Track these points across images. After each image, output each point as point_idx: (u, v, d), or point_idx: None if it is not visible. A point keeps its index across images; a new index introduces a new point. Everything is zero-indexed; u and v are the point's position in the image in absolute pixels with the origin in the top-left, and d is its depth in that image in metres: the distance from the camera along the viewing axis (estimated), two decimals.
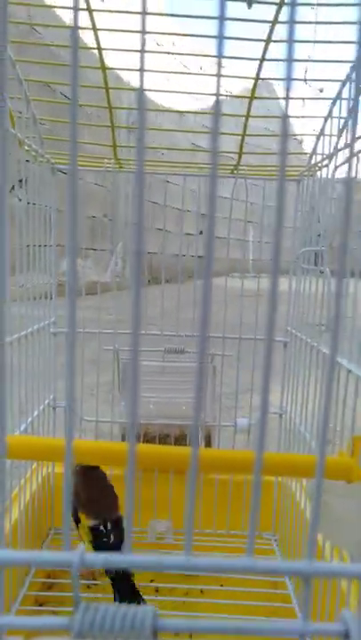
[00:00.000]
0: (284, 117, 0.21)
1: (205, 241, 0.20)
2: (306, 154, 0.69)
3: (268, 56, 0.55)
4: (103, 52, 0.56)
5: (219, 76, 0.20)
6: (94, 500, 0.63)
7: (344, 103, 0.58)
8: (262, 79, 0.59)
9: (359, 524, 0.38)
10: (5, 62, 0.18)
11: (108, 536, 0.61)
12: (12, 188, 0.69)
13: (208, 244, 0.20)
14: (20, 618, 0.20)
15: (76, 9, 0.18)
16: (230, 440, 0.79)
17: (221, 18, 0.19)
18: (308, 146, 0.74)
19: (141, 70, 0.18)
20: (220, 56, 0.19)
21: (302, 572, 0.19)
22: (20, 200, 0.67)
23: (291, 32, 0.19)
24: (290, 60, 0.20)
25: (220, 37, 0.19)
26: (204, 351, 0.21)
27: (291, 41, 0.19)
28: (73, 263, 0.19)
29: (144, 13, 0.17)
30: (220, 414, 0.80)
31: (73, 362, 0.19)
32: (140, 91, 0.18)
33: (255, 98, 0.57)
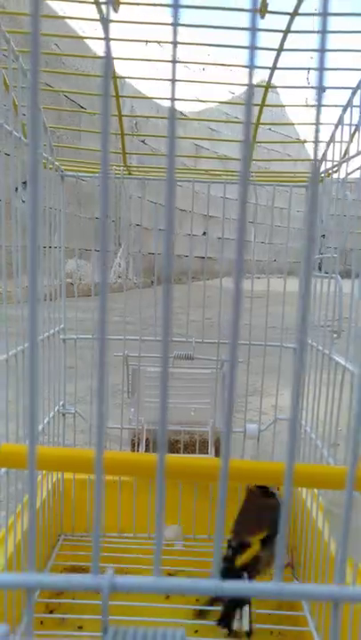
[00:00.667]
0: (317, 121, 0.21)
1: (236, 247, 0.20)
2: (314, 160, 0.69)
3: (279, 64, 0.55)
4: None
5: (250, 85, 0.20)
6: (240, 521, 0.67)
7: (355, 110, 0.58)
8: (273, 87, 0.59)
9: None
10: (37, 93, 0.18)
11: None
12: (16, 189, 0.70)
13: (238, 249, 0.20)
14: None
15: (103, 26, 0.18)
16: (240, 446, 0.79)
17: (253, 30, 0.18)
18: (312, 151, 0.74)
19: (172, 96, 0.18)
20: (251, 66, 0.19)
21: (333, 597, 0.19)
22: (24, 202, 0.67)
23: (323, 42, 0.19)
24: (320, 69, 0.20)
25: (252, 48, 0.19)
26: (234, 358, 0.21)
27: (321, 50, 0.19)
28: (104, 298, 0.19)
29: (174, 43, 0.17)
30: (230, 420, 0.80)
31: (102, 390, 0.19)
32: (172, 109, 0.18)
33: (266, 105, 0.57)
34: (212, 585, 0.19)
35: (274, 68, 0.53)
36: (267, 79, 0.59)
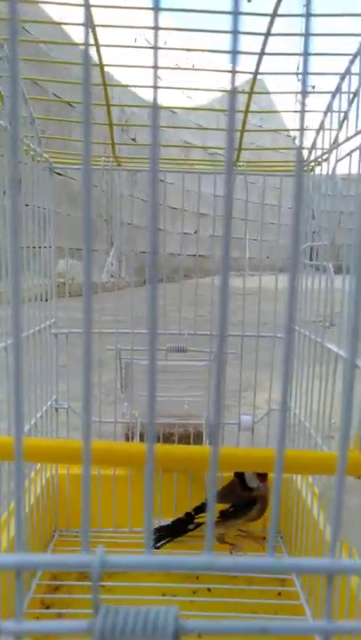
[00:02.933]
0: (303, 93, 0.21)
1: (223, 243, 0.20)
2: (305, 149, 0.69)
3: (266, 50, 0.55)
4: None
5: (234, 72, 0.20)
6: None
7: (344, 96, 0.58)
8: (261, 74, 0.58)
9: None
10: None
11: (191, 514, 0.74)
12: (4, 193, 0.69)
13: (225, 243, 0.20)
14: (40, 623, 0.19)
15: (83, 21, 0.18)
16: (234, 438, 0.79)
17: (236, 13, 0.18)
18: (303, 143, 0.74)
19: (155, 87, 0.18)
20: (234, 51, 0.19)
21: (326, 570, 0.19)
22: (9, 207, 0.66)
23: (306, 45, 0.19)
24: (306, 55, 0.19)
25: (235, 32, 0.19)
26: (221, 349, 0.21)
27: (307, 35, 0.19)
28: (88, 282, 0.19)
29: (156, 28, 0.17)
30: (223, 412, 0.80)
31: (89, 378, 0.19)
32: (155, 108, 0.18)
33: (255, 93, 0.57)
34: (205, 560, 0.19)
35: (262, 54, 0.52)
36: (255, 67, 0.59)
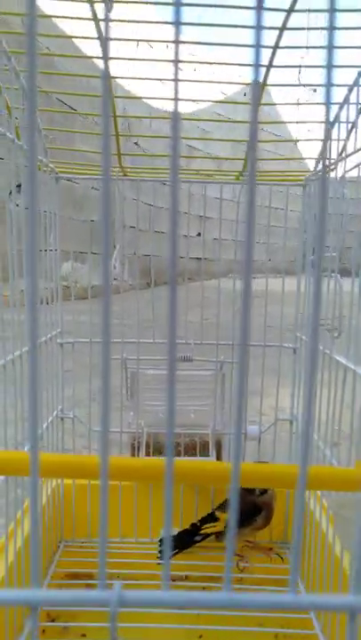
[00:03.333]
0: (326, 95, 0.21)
1: (245, 247, 0.19)
2: (312, 159, 0.69)
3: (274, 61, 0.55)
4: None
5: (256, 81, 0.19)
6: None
7: (352, 107, 0.58)
8: (269, 84, 0.58)
9: None
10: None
11: (197, 524, 0.73)
12: (10, 193, 0.68)
13: (247, 249, 0.19)
14: None
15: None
16: (241, 447, 0.79)
17: (258, 27, 0.18)
18: (308, 151, 0.74)
19: (175, 99, 0.17)
20: (256, 64, 0.19)
21: (349, 608, 0.18)
22: (18, 205, 0.66)
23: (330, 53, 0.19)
24: (330, 66, 0.19)
25: (258, 46, 0.18)
26: (244, 361, 0.20)
27: (331, 47, 0.19)
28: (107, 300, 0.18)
29: (176, 42, 0.17)
30: (230, 421, 0.80)
31: (106, 410, 0.19)
32: (175, 118, 0.18)
33: (263, 104, 0.57)
34: (224, 597, 0.19)
35: (270, 66, 0.52)
36: (263, 77, 0.58)
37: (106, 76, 0.20)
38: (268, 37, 0.52)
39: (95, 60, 0.55)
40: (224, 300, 0.79)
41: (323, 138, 0.25)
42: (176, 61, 0.18)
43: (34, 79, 0.19)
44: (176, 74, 0.18)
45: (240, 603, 0.19)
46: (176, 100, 0.18)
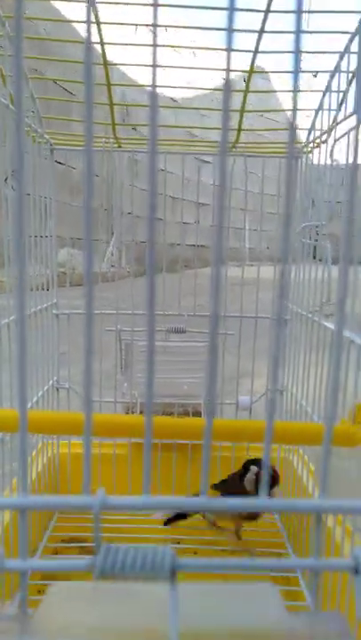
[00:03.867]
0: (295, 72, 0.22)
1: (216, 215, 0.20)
2: (304, 129, 0.69)
3: (262, 39, 0.55)
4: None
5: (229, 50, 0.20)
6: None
7: (343, 76, 0.58)
8: (259, 71, 0.59)
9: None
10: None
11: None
12: (6, 179, 0.69)
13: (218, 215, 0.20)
14: (44, 561, 0.20)
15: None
16: (232, 417, 0.80)
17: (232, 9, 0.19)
18: (302, 125, 0.74)
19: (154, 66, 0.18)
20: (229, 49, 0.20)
21: (316, 509, 0.20)
22: (15, 190, 0.67)
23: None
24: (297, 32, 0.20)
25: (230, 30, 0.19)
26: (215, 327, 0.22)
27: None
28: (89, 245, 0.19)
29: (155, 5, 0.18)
30: (222, 392, 0.81)
31: (91, 340, 0.20)
32: (153, 86, 0.18)
33: (254, 72, 0.57)
34: (201, 501, 0.20)
35: (256, 52, 0.53)
36: (254, 46, 0.59)
37: (89, 42, 0.21)
38: (256, 21, 0.53)
39: (84, 26, 0.55)
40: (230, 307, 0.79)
41: (299, 107, 0.26)
42: (155, 25, 0.19)
43: (20, 24, 0.19)
44: (155, 52, 0.19)
45: (215, 505, 0.20)
46: (154, 66, 0.19)
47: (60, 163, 0.79)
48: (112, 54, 0.61)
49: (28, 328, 0.66)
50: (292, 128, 0.21)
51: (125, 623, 0.20)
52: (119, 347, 0.80)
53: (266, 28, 0.54)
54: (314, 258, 0.71)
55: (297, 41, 0.21)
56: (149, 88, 0.20)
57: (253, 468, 0.62)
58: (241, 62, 0.59)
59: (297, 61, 0.22)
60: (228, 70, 0.21)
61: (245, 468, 0.65)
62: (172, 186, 0.98)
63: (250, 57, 0.58)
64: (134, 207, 0.76)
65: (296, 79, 0.22)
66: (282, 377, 0.80)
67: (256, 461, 0.63)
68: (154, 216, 0.21)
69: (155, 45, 0.20)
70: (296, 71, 0.22)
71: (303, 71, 0.66)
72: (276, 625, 0.19)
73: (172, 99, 6.30)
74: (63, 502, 0.20)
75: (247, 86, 0.60)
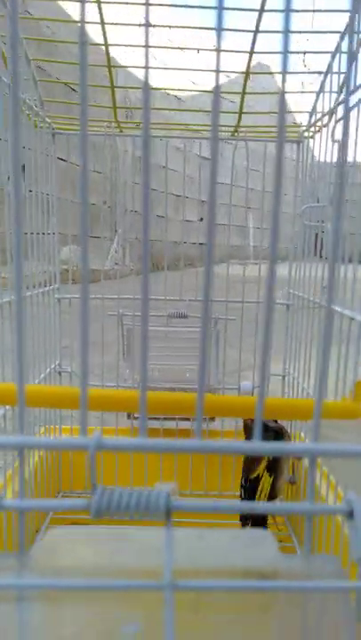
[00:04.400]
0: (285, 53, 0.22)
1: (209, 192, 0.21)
2: (305, 112, 0.69)
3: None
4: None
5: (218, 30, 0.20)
6: (244, 460, 0.69)
7: (343, 57, 0.58)
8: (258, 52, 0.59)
9: None
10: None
11: (244, 493, 0.67)
12: (8, 178, 0.69)
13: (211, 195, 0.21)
14: (42, 501, 0.20)
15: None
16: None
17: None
18: (302, 106, 0.74)
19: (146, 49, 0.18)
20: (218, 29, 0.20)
21: (310, 452, 0.20)
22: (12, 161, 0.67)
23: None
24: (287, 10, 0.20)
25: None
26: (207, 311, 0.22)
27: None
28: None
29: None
30: (223, 378, 0.81)
31: (86, 310, 0.20)
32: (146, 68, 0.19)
33: (254, 52, 0.57)
34: (196, 443, 0.20)
35: (251, 53, 0.53)
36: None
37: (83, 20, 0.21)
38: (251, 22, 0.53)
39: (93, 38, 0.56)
40: (221, 285, 0.79)
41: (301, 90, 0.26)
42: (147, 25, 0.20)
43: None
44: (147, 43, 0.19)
45: (209, 447, 0.20)
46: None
47: (62, 159, 0.79)
48: (118, 54, 0.61)
49: (29, 312, 0.67)
50: (281, 112, 0.21)
51: (121, 562, 0.20)
52: (121, 332, 0.80)
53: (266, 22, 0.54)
54: (320, 256, 0.70)
55: (286, 20, 0.21)
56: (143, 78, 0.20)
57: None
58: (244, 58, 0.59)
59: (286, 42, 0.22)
60: (217, 71, 0.21)
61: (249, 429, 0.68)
62: (174, 183, 0.98)
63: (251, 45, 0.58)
64: (138, 205, 0.76)
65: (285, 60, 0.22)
66: (283, 361, 0.80)
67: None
68: (148, 190, 0.21)
69: (147, 46, 0.21)
70: (285, 52, 0.22)
71: (293, 52, 0.66)
72: (272, 564, 0.20)
73: (176, 97, 6.31)
74: (61, 443, 0.20)
75: (248, 68, 0.60)
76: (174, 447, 0.20)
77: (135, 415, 0.79)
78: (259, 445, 0.20)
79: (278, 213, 0.21)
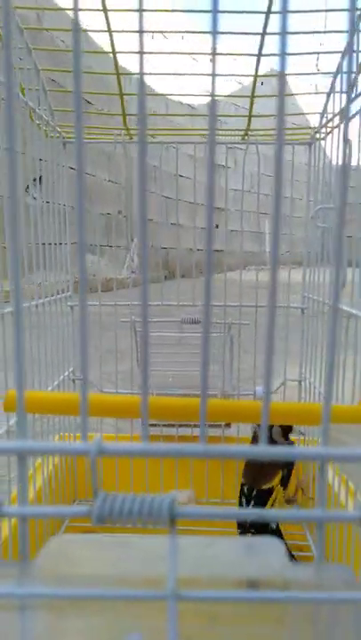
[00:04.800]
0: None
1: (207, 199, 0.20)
2: (317, 113, 0.69)
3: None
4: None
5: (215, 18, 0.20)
6: (252, 468, 0.67)
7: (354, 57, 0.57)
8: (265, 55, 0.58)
9: None
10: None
11: (247, 502, 0.65)
12: (27, 187, 0.70)
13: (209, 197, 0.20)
14: (43, 507, 0.20)
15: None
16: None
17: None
18: (313, 108, 0.73)
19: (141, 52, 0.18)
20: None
21: (320, 457, 0.19)
22: (35, 199, 0.68)
23: None
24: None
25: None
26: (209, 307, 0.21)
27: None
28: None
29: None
30: (238, 383, 0.80)
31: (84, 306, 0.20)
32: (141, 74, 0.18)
33: (262, 55, 0.57)
34: (200, 448, 0.20)
35: (260, 55, 0.53)
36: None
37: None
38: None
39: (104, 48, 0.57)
40: (235, 292, 0.79)
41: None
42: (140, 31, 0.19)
43: None
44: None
45: (214, 452, 0.20)
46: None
47: (74, 169, 0.80)
48: (129, 63, 0.61)
49: (42, 320, 0.67)
50: (280, 114, 0.21)
51: (125, 570, 0.19)
52: (135, 339, 0.80)
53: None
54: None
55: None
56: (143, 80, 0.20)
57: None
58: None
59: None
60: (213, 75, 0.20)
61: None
62: (188, 191, 0.97)
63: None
64: (154, 214, 0.76)
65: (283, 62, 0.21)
66: (299, 366, 0.79)
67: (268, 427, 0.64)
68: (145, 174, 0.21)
69: (141, 52, 0.21)
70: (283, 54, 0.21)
71: (301, 53, 0.65)
72: (280, 573, 0.19)
73: (189, 105, 6.35)
74: (61, 447, 0.20)
75: (256, 71, 0.60)
76: (176, 451, 0.20)
77: (152, 423, 0.78)
78: (264, 450, 0.20)
79: (279, 214, 0.21)
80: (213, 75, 0.21)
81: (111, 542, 0.21)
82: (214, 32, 0.20)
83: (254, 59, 0.59)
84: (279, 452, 0.20)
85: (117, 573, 0.19)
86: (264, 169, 0.73)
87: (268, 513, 0.20)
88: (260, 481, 0.66)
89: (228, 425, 0.80)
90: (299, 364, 0.79)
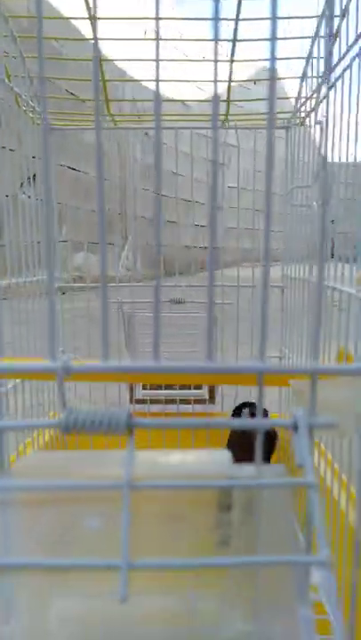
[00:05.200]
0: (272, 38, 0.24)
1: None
2: (290, 98, 0.71)
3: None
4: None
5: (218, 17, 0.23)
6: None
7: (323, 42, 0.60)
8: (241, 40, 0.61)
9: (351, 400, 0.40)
10: None
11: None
12: (21, 185, 0.72)
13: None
14: (15, 421, 0.23)
15: None
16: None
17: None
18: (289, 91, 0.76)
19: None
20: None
21: (308, 371, 0.22)
22: (30, 197, 0.70)
23: None
24: None
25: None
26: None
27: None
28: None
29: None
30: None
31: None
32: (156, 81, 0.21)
33: (238, 40, 0.60)
34: (154, 364, 0.22)
35: (235, 40, 0.56)
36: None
37: None
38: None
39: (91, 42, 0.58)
40: (229, 290, 0.81)
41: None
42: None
43: None
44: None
45: (171, 367, 0.22)
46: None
47: (72, 169, 0.82)
48: (125, 66, 0.63)
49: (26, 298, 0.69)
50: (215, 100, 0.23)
51: (88, 470, 0.22)
52: (122, 319, 0.82)
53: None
54: (332, 256, 0.71)
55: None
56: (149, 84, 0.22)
57: (245, 411, 0.64)
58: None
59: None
60: (215, 80, 0.23)
61: (238, 411, 0.67)
62: (185, 188, 1.00)
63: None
64: (148, 211, 0.79)
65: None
66: (280, 344, 0.82)
67: (247, 404, 0.65)
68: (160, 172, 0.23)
69: (136, 58, 0.23)
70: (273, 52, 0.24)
71: (278, 39, 0.68)
72: (221, 469, 0.22)
73: (182, 102, 6.37)
74: (27, 367, 0.22)
75: (232, 54, 0.63)
76: (138, 368, 0.22)
77: (137, 399, 0.81)
78: (207, 365, 0.22)
79: (270, 201, 0.24)
80: (214, 75, 0.24)
81: (83, 456, 0.24)
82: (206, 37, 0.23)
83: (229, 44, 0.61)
84: (218, 366, 0.23)
85: (82, 471, 0.22)
86: (259, 166, 0.76)
87: (230, 422, 0.23)
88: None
89: (211, 400, 0.82)
90: (280, 341, 0.82)
